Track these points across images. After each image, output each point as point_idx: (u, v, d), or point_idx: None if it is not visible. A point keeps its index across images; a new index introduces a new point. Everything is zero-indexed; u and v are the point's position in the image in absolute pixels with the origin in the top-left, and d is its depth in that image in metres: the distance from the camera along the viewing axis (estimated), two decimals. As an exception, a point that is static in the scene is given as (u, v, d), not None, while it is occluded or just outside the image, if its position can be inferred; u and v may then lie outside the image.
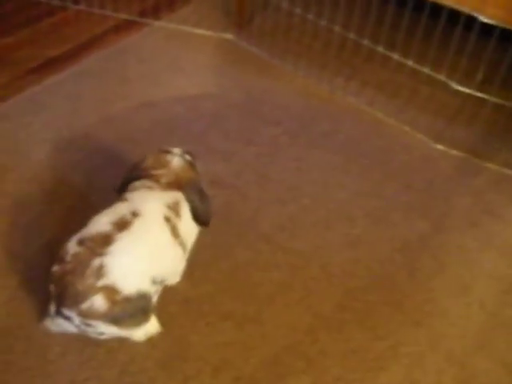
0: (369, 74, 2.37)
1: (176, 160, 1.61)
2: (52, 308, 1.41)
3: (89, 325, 1.39)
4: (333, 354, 1.56)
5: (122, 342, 1.52)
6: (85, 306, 1.35)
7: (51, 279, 1.41)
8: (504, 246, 1.85)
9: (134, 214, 1.45)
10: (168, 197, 1.52)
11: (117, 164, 1.98)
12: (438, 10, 2.01)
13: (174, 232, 1.49)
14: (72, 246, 1.41)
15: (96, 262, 1.36)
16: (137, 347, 1.53)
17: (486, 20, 1.90)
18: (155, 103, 2.23)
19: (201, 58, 2.44)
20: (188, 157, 1.65)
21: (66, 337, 1.51)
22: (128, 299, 1.37)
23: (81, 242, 1.41)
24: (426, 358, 1.57)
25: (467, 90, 2.06)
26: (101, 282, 1.35)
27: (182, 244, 1.52)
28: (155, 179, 1.56)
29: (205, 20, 2.60)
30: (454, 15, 1.98)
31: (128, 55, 2.44)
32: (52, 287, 1.41)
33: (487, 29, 1.91)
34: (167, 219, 1.48)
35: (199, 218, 1.57)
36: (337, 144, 2.12)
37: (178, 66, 2.39)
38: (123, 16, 2.57)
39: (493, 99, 2.02)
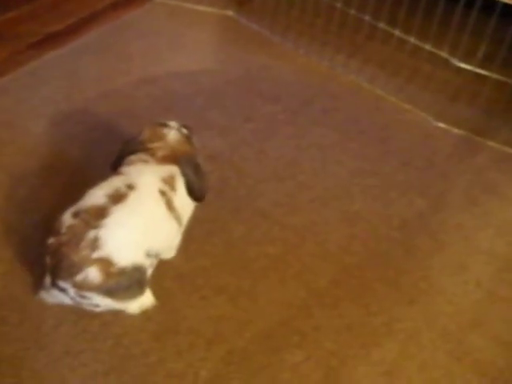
0: (370, 52, 2.34)
1: (172, 133, 1.60)
2: (47, 280, 1.42)
3: (84, 296, 1.39)
4: (327, 330, 1.55)
5: (117, 314, 1.52)
6: (79, 277, 1.35)
7: (47, 251, 1.41)
8: (503, 225, 1.83)
9: (130, 187, 1.44)
10: (163, 170, 1.52)
11: (115, 139, 1.96)
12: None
13: (169, 205, 1.48)
14: (67, 219, 1.41)
15: (91, 234, 1.36)
16: (131, 320, 1.53)
17: (488, -5, 1.88)
18: (155, 79, 2.21)
19: (201, 35, 2.42)
20: (185, 130, 1.65)
21: (60, 309, 1.52)
22: (123, 271, 1.37)
23: (76, 215, 1.41)
24: (421, 334, 1.56)
25: (469, 67, 2.03)
26: (96, 254, 1.35)
27: (178, 218, 1.51)
28: (151, 153, 1.55)
29: (206, -4, 2.58)
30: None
31: (128, 31, 2.42)
32: (47, 259, 1.41)
33: (489, 5, 1.88)
34: (162, 193, 1.47)
35: (194, 192, 1.56)
36: (336, 121, 2.11)
37: (178, 43, 2.38)
38: (124, -8, 2.55)
39: (495, 76, 1.99)
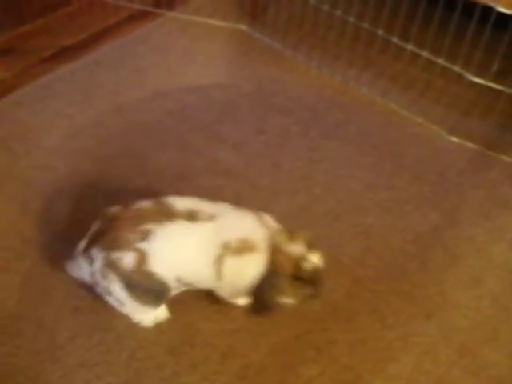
0: (383, 66, 2.35)
1: (299, 246, 1.41)
2: (81, 245, 1.43)
3: (105, 277, 1.39)
4: (342, 344, 1.55)
5: (131, 327, 1.52)
6: (115, 255, 1.36)
7: (101, 216, 1.43)
8: (517, 239, 1.83)
9: (210, 217, 1.40)
10: (249, 235, 1.40)
11: (128, 153, 1.98)
12: (453, 0, 1.99)
13: (219, 260, 1.38)
14: (146, 201, 1.42)
15: (149, 225, 1.36)
16: (145, 333, 1.53)
17: (502, 9, 1.87)
18: (168, 93, 2.22)
19: (214, 49, 2.44)
20: (307, 262, 1.41)
21: (75, 322, 1.53)
22: (150, 275, 1.37)
23: (156, 203, 1.42)
24: (437, 349, 1.55)
25: (482, 82, 2.03)
26: (141, 245, 1.35)
27: (219, 276, 1.41)
28: (278, 234, 1.44)
29: (218, 11, 2.59)
30: (469, 6, 1.96)
31: (141, 45, 2.44)
32: (96, 224, 1.42)
33: (503, 19, 1.89)
34: (225, 246, 1.37)
35: (255, 300, 1.45)
36: (349, 135, 2.11)
37: (191, 57, 2.39)
38: (137, 6, 2.57)
39: (508, 91, 1.99)
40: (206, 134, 2.06)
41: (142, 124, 2.10)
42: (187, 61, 2.37)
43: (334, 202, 1.89)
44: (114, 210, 1.42)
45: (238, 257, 1.38)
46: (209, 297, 1.60)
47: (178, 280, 1.41)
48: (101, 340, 1.51)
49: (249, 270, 1.40)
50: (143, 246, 1.36)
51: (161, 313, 1.53)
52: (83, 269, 1.44)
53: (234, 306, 1.59)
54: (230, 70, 2.38)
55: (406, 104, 2.21)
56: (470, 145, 2.09)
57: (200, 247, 1.38)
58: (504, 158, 2.05)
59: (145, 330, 1.53)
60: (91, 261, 1.40)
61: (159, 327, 1.53)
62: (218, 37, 2.49)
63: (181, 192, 1.80)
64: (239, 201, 1.83)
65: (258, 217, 1.45)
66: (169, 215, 1.38)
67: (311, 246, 1.42)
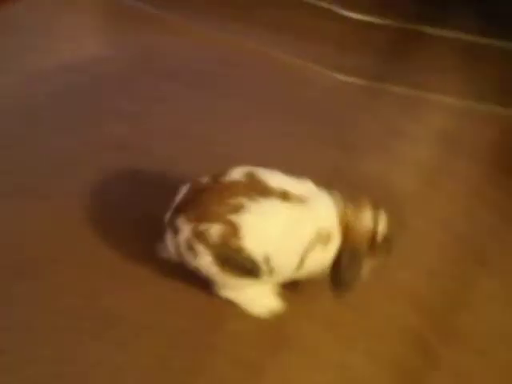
0: (261, 16, 2.34)
1: (368, 215, 1.42)
2: (167, 216, 1.37)
3: (192, 248, 1.34)
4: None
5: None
6: (203, 226, 1.31)
7: (189, 185, 1.38)
8: (413, 164, 1.90)
9: (301, 199, 1.37)
10: (330, 226, 1.39)
11: (15, 143, 1.87)
12: None
13: (310, 246, 1.37)
14: (239, 172, 1.38)
15: (241, 200, 1.32)
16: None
17: None
18: (46, 74, 2.11)
19: (86, 20, 2.34)
20: (379, 235, 1.44)
21: None
22: (240, 250, 1.33)
23: (248, 175, 1.37)
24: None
25: (362, 18, 2.07)
26: (232, 217, 1.31)
27: (302, 259, 1.39)
28: (346, 209, 1.42)
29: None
30: None
31: (5, 28, 2.29)
32: (182, 192, 1.38)
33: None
34: (319, 234, 1.36)
35: (335, 278, 1.43)
36: (242, 90, 2.11)
37: (62, 32, 2.28)
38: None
39: (389, 22, 2.04)
40: (96, 111, 1.99)
41: (24, 111, 1.98)
42: (59, 38, 2.26)
43: (239, 159, 1.86)
44: (203, 180, 1.37)
45: (324, 247, 1.38)
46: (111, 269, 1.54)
47: (266, 261, 1.36)
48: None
49: (327, 258, 1.41)
50: (234, 218, 1.31)
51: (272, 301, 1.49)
52: (169, 243, 1.37)
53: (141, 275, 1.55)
54: (107, 40, 2.30)
55: (294, 51, 2.22)
56: (359, 81, 2.13)
57: (296, 229, 1.36)
58: (391, 88, 2.11)
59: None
60: (176, 231, 1.34)
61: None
62: (86, 7, 2.38)
63: (80, 175, 1.76)
64: (138, 173, 1.81)
65: (330, 195, 1.44)
66: (262, 191, 1.35)
67: (376, 209, 1.44)
